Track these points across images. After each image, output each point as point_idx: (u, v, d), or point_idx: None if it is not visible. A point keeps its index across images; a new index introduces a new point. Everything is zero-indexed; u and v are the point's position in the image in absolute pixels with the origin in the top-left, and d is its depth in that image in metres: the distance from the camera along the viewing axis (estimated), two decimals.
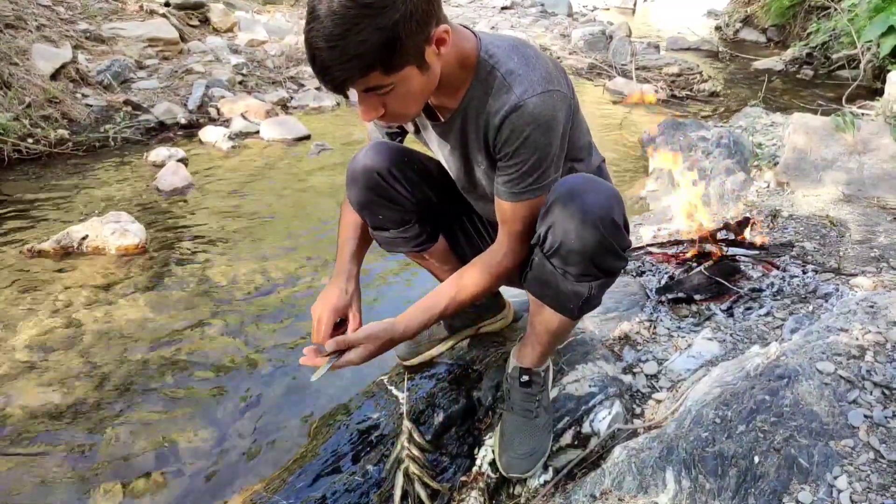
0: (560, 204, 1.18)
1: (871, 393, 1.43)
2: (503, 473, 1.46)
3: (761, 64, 7.53)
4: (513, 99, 1.11)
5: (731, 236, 2.37)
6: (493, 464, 1.50)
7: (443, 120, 1.25)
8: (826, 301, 2.01)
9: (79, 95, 4.24)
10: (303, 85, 5.44)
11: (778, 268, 2.26)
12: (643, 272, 2.30)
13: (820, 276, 2.20)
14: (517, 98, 1.11)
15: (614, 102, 5.90)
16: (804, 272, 2.23)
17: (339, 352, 1.25)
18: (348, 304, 1.39)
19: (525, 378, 1.46)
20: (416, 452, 1.47)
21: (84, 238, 2.66)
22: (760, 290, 2.12)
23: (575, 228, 1.17)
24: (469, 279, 1.32)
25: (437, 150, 1.37)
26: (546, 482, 1.44)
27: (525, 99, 1.10)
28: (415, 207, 1.48)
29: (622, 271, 1.33)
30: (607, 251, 1.21)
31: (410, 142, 1.49)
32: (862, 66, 5.96)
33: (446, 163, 1.38)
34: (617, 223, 1.19)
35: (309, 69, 5.15)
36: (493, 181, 1.25)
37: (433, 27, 1.03)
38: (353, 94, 1.07)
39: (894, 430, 1.35)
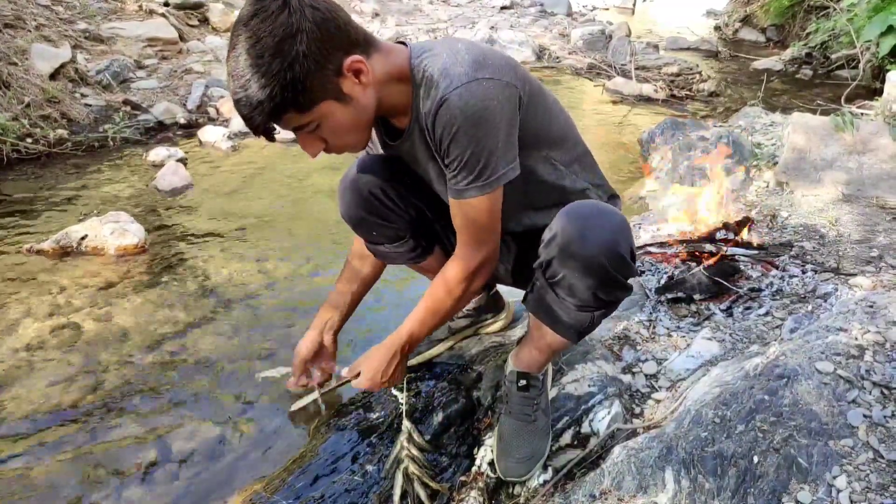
0: (566, 235, 1.16)
1: (870, 393, 1.43)
2: (501, 477, 1.46)
3: (760, 64, 7.53)
4: (438, 95, 1.09)
5: (731, 236, 2.38)
6: (492, 464, 1.50)
7: (403, 135, 1.24)
8: (825, 301, 2.01)
9: (78, 95, 4.23)
10: None
11: (777, 267, 2.26)
12: (643, 272, 2.30)
13: (819, 275, 2.20)
14: (442, 93, 1.09)
15: (614, 102, 5.90)
16: (803, 272, 2.23)
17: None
18: (321, 352, 1.66)
19: (523, 382, 1.46)
20: (415, 452, 1.47)
21: (83, 238, 2.65)
22: (760, 290, 2.13)
23: (581, 263, 1.16)
24: (431, 298, 1.35)
25: (412, 166, 1.35)
26: (545, 482, 1.44)
27: (449, 92, 1.08)
28: (407, 224, 1.48)
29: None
30: (612, 284, 1.20)
31: None
32: (861, 65, 5.95)
33: (424, 176, 1.36)
34: (623, 256, 1.17)
35: None
36: None
37: (340, 59, 1.05)
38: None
39: (893, 430, 1.35)
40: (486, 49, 1.16)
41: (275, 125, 1.08)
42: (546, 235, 1.21)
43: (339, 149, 1.17)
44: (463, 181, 1.15)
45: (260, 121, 1.04)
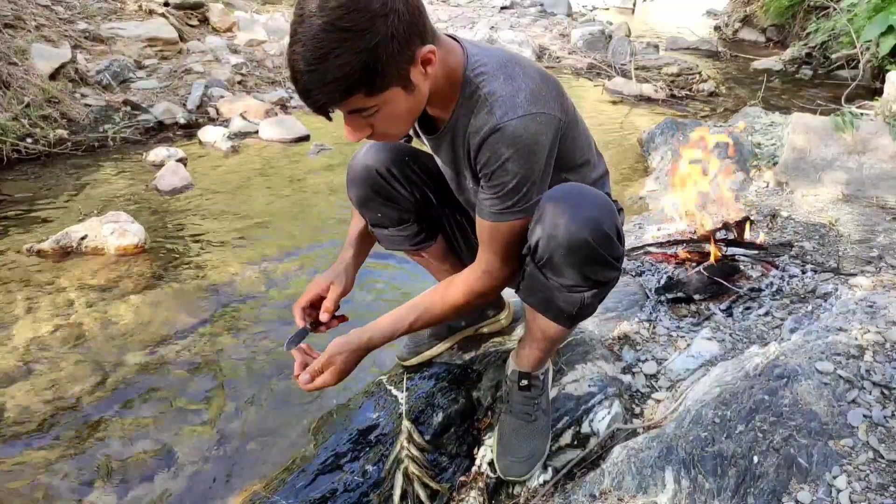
0: (550, 215, 1.16)
1: (870, 393, 1.43)
2: (501, 476, 1.46)
3: (760, 64, 7.53)
4: (492, 121, 1.09)
5: (731, 236, 2.38)
6: (492, 464, 1.50)
7: (437, 133, 1.25)
8: (825, 301, 2.01)
9: (78, 95, 4.23)
10: None
11: (777, 267, 2.26)
12: (643, 272, 2.30)
13: (819, 275, 2.20)
14: (497, 120, 1.09)
15: (613, 102, 5.90)
16: (803, 272, 2.23)
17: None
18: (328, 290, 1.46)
19: (524, 382, 1.45)
20: (415, 452, 1.47)
21: (83, 238, 2.65)
22: (760, 290, 2.13)
23: (565, 240, 1.16)
24: (441, 297, 1.32)
25: (434, 156, 1.38)
26: (545, 482, 1.45)
27: (505, 122, 1.08)
28: (413, 207, 1.49)
29: (618, 278, 1.32)
30: (598, 262, 1.20)
31: (414, 140, 1.50)
32: (861, 65, 5.95)
33: (441, 169, 1.38)
34: (608, 234, 1.18)
35: None
36: None
37: (417, 47, 1.02)
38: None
39: (893, 430, 1.35)
40: (539, 75, 1.16)
41: (334, 106, 1.03)
42: (533, 219, 1.22)
43: (382, 136, 1.14)
44: (500, 205, 1.17)
45: (325, 99, 0.98)
